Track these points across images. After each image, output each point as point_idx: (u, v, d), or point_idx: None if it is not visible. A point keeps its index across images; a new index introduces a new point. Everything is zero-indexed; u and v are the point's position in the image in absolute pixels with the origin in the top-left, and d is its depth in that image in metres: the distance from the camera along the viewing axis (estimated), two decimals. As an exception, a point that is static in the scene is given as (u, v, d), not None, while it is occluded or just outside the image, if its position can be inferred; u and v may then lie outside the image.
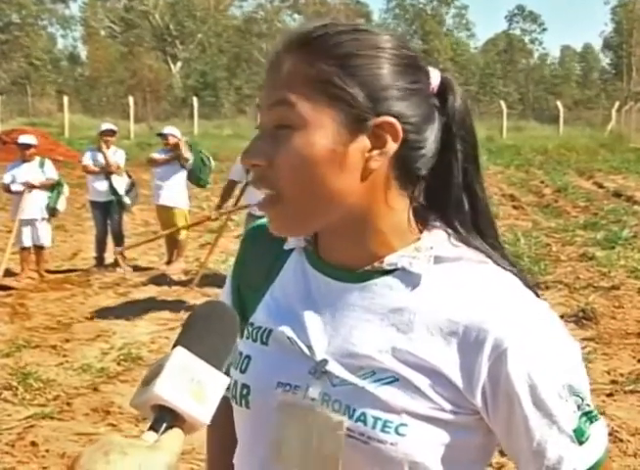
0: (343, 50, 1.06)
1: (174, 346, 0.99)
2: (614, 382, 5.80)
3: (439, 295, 1.09)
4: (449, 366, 1.06)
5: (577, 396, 1.07)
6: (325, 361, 1.11)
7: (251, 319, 1.23)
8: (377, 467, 1.07)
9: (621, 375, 5.95)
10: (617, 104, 38.56)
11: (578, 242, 11.48)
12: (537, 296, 1.13)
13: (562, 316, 7.38)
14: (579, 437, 1.06)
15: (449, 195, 1.14)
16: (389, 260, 1.11)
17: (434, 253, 1.11)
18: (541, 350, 1.05)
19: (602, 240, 11.35)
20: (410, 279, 1.11)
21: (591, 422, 1.08)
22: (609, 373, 5.99)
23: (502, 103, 36.64)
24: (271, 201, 1.09)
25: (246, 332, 1.22)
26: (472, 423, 1.09)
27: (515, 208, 15.17)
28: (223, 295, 1.33)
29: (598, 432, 1.09)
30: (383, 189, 1.10)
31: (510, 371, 1.04)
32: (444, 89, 1.14)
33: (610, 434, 4.78)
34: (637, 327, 7.21)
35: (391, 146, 1.07)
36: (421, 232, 1.14)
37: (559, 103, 38.39)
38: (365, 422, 1.06)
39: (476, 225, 1.15)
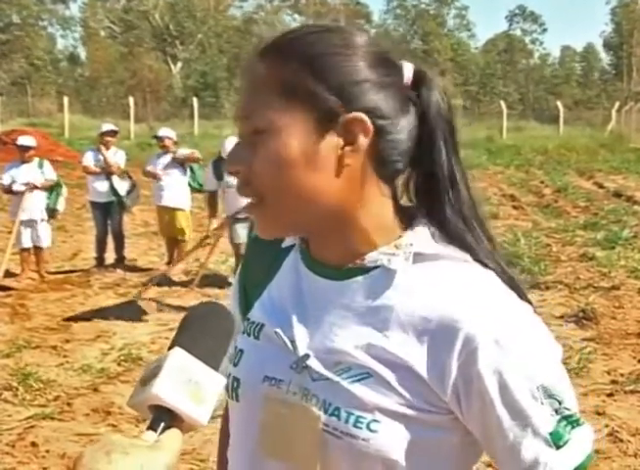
0: (310, 51, 1.08)
1: (171, 346, 1.00)
2: (614, 382, 5.80)
3: (416, 293, 1.10)
4: (421, 364, 1.07)
5: (554, 398, 1.05)
6: (306, 356, 1.12)
7: (248, 315, 1.25)
8: (352, 462, 1.08)
9: (622, 375, 5.95)
10: (617, 104, 38.56)
11: (578, 242, 11.48)
12: (522, 296, 1.13)
13: (562, 317, 7.46)
14: (556, 441, 1.05)
15: (435, 186, 1.14)
16: (370, 258, 1.13)
17: (414, 250, 1.11)
18: (514, 349, 1.04)
19: (602, 240, 11.35)
20: (388, 277, 1.11)
21: (572, 427, 1.06)
22: (609, 373, 5.99)
23: (502, 103, 36.63)
24: (254, 204, 1.12)
25: (243, 327, 1.25)
26: (446, 422, 1.08)
27: (515, 208, 15.17)
28: (231, 295, 1.36)
29: (580, 437, 1.06)
30: (361, 184, 1.11)
31: (481, 370, 1.04)
32: (418, 82, 1.14)
33: (610, 434, 4.78)
34: (637, 327, 7.21)
35: (363, 141, 1.08)
36: (405, 230, 1.15)
37: (559, 103, 38.39)
38: (339, 417, 1.08)
39: (462, 216, 1.15)
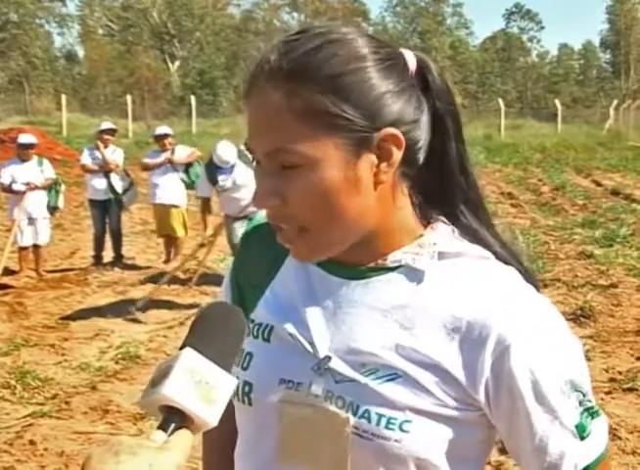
0: (327, 72, 1.03)
1: (182, 347, 1.00)
2: (612, 380, 5.80)
3: (442, 291, 1.09)
4: (452, 363, 1.06)
5: (579, 391, 1.07)
6: (328, 358, 1.10)
7: (251, 316, 1.22)
8: (382, 464, 1.07)
9: (620, 373, 5.95)
10: (615, 102, 38.59)
11: (577, 240, 11.48)
12: (538, 291, 1.13)
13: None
14: (581, 432, 1.07)
15: (449, 178, 1.14)
16: (393, 258, 1.11)
17: (438, 249, 1.11)
18: (544, 346, 1.06)
19: (600, 238, 11.36)
20: (413, 276, 1.10)
21: (592, 418, 1.08)
22: (607, 371, 6.00)
23: (500, 101, 36.66)
24: (296, 232, 1.08)
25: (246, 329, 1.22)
26: (475, 419, 1.09)
27: (513, 206, 15.17)
28: (222, 292, 1.32)
29: (599, 427, 1.10)
30: (391, 192, 1.10)
31: (513, 367, 1.04)
32: (422, 70, 1.11)
33: (608, 432, 4.79)
34: (635, 325, 7.21)
35: (397, 155, 1.06)
36: (425, 228, 1.14)
37: (557, 101, 38.41)
38: (369, 419, 1.06)
39: (474, 205, 1.16)
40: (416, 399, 1.06)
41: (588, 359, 6.04)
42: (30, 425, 5.09)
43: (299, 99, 1.02)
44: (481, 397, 1.07)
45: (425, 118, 1.10)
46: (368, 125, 1.04)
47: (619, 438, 4.78)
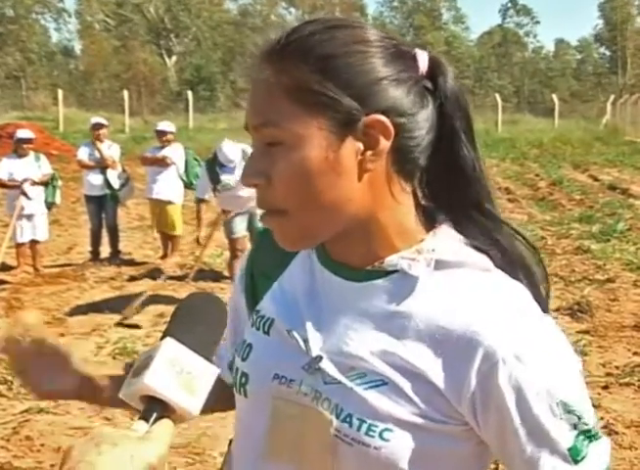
0: (320, 52, 1.03)
1: (163, 336, 1.00)
2: (609, 374, 5.82)
3: (436, 301, 1.06)
4: (438, 374, 1.03)
5: (573, 413, 1.03)
6: (319, 358, 1.09)
7: (257, 307, 1.22)
8: (362, 469, 1.06)
9: (617, 368, 5.96)
10: (612, 97, 38.60)
11: (574, 235, 11.50)
12: (545, 308, 1.10)
13: (557, 309, 7.46)
14: (574, 456, 1.03)
15: (457, 181, 1.11)
16: (390, 261, 1.09)
17: (436, 256, 1.08)
18: (534, 364, 1.02)
19: (597, 233, 11.38)
20: (408, 282, 1.08)
21: (590, 441, 1.04)
22: (604, 366, 6.01)
23: (497, 96, 36.64)
24: (275, 217, 1.08)
25: (251, 319, 1.21)
26: (461, 433, 1.06)
27: (510, 201, 15.17)
28: (236, 279, 1.33)
29: (598, 451, 1.05)
30: (384, 186, 1.07)
31: (501, 385, 1.01)
32: (434, 70, 1.09)
33: (605, 426, 4.79)
34: (632, 320, 7.23)
35: (384, 144, 1.04)
36: (427, 232, 1.11)
37: (554, 96, 38.42)
38: (351, 424, 1.05)
39: (484, 212, 1.12)
40: (399, 408, 1.04)
41: (585, 354, 6.06)
42: (27, 421, 5.09)
43: (288, 76, 1.03)
44: (467, 412, 1.04)
45: (425, 115, 1.07)
46: (356, 108, 1.02)
47: (616, 432, 4.79)
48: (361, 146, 1.04)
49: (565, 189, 16.52)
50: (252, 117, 1.07)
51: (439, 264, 1.08)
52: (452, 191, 1.11)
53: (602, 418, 4.95)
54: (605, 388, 5.56)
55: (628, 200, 14.71)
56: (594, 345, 6.47)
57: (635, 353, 6.32)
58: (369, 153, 1.04)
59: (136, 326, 7.22)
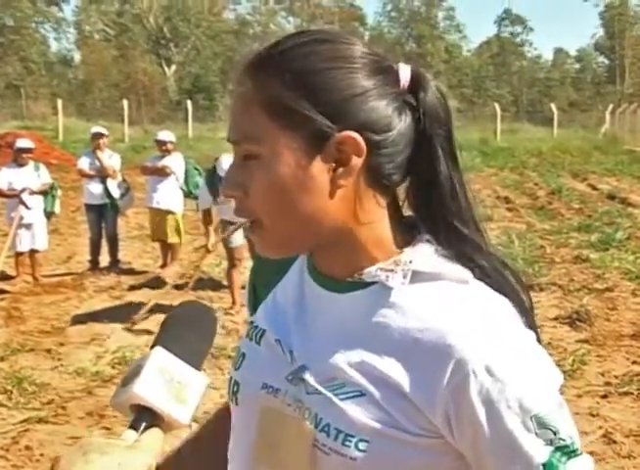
0: (297, 67, 1.03)
1: (153, 345, 1.00)
2: (608, 384, 5.82)
3: (411, 312, 1.06)
4: (411, 387, 1.03)
5: (548, 428, 1.00)
6: (303, 368, 1.10)
7: (252, 317, 1.24)
8: None
9: (615, 377, 5.96)
10: (610, 106, 38.64)
11: (572, 244, 11.50)
12: (532, 322, 1.09)
13: (556, 318, 7.47)
14: None
15: (434, 196, 1.10)
16: (368, 273, 1.09)
17: (413, 267, 1.07)
18: (506, 378, 1.00)
19: (596, 242, 11.38)
20: (386, 294, 1.08)
21: (569, 457, 1.01)
22: (603, 375, 6.01)
23: (496, 105, 36.69)
24: (253, 227, 1.10)
25: (246, 329, 1.24)
26: (437, 446, 1.05)
27: (509, 210, 15.19)
28: (245, 292, 1.36)
29: (576, 468, 1.01)
30: (358, 201, 1.07)
31: (472, 398, 1.00)
32: (416, 85, 1.08)
33: (604, 435, 4.80)
34: (631, 329, 7.23)
35: (357, 161, 1.04)
36: (407, 244, 1.11)
37: (553, 105, 38.47)
38: (328, 433, 1.05)
39: (462, 225, 1.11)
40: (375, 419, 1.04)
41: (584, 363, 6.06)
42: (27, 430, 5.09)
43: (265, 91, 1.04)
44: (440, 424, 1.03)
45: (404, 131, 1.07)
46: (328, 126, 1.02)
47: (615, 442, 4.79)
48: (332, 163, 1.04)
49: (564, 198, 16.52)
50: (231, 131, 1.09)
51: (416, 276, 1.08)
52: (431, 206, 1.11)
53: (601, 427, 4.95)
54: (604, 397, 5.56)
55: (627, 209, 14.72)
56: (593, 354, 6.46)
57: (634, 362, 6.32)
58: (341, 169, 1.04)
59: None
